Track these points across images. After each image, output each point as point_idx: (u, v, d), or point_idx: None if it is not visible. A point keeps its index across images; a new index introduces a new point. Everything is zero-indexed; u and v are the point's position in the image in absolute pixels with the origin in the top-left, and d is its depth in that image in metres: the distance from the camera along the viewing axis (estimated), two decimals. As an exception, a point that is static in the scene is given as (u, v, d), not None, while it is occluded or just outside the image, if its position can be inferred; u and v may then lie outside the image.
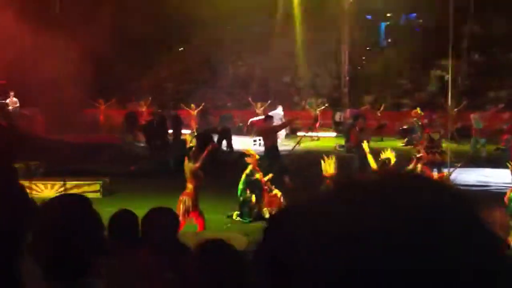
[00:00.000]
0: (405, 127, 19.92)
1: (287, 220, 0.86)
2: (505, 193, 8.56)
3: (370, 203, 0.74)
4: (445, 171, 11.56)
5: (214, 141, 10.56)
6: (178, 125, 18.25)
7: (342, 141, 19.22)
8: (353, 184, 0.80)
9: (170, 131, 17.80)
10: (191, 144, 10.13)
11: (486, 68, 24.11)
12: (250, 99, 22.12)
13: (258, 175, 9.86)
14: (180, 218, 8.30)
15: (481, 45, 24.20)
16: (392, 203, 0.74)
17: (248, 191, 9.88)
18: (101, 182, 11.79)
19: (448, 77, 23.78)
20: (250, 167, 9.84)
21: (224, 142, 17.06)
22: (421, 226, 0.71)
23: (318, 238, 0.75)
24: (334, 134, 21.78)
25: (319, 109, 21.67)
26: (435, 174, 10.91)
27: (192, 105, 21.06)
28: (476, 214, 0.75)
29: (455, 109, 18.76)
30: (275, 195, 10.01)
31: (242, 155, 10.78)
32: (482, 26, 23.71)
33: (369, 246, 0.71)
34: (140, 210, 4.12)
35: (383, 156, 8.57)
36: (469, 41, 23.94)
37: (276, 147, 12.94)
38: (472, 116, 17.51)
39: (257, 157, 10.09)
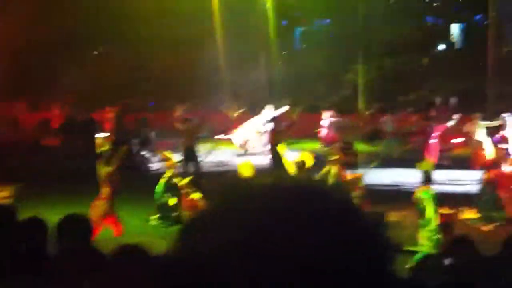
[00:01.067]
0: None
1: (196, 225, 0.87)
2: (414, 193, 9.02)
3: (253, 208, 0.78)
4: (359, 171, 11.95)
5: (129, 144, 10.38)
6: (92, 128, 17.73)
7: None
8: (237, 190, 0.84)
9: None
10: (103, 148, 9.91)
11: (396, 72, 25.20)
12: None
13: (177, 179, 9.80)
14: (96, 223, 8.11)
15: (392, 50, 25.25)
16: (275, 208, 0.77)
17: (166, 195, 9.79)
18: (13, 187, 11.24)
19: (361, 81, 24.79)
20: (168, 171, 9.76)
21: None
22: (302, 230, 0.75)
23: (217, 243, 0.77)
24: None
25: (238, 113, 21.80)
26: (349, 175, 11.24)
27: (108, 108, 20.52)
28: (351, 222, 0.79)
29: (368, 112, 19.45)
30: (195, 198, 9.98)
31: (162, 159, 10.69)
32: (392, 32, 24.77)
33: (255, 252, 0.74)
34: (54, 216, 3.99)
35: (299, 158, 8.75)
36: (380, 46, 24.98)
37: (194, 149, 12.92)
38: (383, 118, 18.26)
39: (175, 161, 10.02)
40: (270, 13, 24.76)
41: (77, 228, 3.77)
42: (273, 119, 17.05)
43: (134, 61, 24.80)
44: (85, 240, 3.80)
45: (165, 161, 9.90)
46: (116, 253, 2.94)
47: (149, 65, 24.75)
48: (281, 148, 8.91)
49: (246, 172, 9.04)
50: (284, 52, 28.77)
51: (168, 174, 9.75)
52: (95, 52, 26.84)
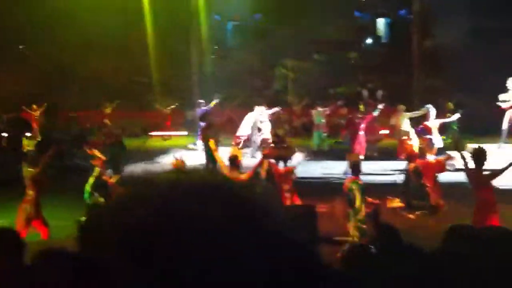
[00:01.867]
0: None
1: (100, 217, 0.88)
2: (343, 184, 9.24)
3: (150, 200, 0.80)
4: (292, 165, 12.07)
5: (56, 145, 10.06)
6: (18, 127, 17.10)
7: (194, 140, 19.42)
8: (145, 183, 0.85)
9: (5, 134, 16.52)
10: (28, 148, 9.59)
11: (326, 67, 25.69)
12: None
13: (105, 177, 9.62)
14: (22, 226, 7.85)
15: (322, 46, 25.72)
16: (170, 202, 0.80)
17: (96, 194, 9.58)
18: None
19: (292, 76, 25.13)
20: (97, 169, 9.55)
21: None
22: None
23: (117, 232, 0.78)
24: (186, 133, 21.82)
25: (170, 108, 21.65)
26: (281, 168, 11.37)
27: (34, 106, 19.87)
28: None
29: (299, 106, 19.70)
30: None
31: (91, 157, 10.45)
32: (323, 29, 25.22)
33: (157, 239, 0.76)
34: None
35: (231, 153, 8.78)
36: (309, 41, 25.33)
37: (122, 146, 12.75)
38: (313, 112, 18.57)
39: (104, 158, 9.82)
40: (202, 8, 24.62)
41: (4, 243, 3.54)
42: (203, 115, 17.03)
43: (62, 60, 24.01)
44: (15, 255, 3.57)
45: (94, 159, 9.67)
46: (37, 257, 2.84)
47: (78, 64, 24.04)
48: (212, 143, 8.88)
49: (178, 168, 9.00)
50: (216, 47, 28.73)
51: (97, 172, 9.55)
52: (20, 49, 25.82)
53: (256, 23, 28.76)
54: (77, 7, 22.53)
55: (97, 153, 9.96)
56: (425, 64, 23.43)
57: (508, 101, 14.96)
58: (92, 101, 22.54)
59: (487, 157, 7.94)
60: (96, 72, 23.55)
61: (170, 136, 21.00)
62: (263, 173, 10.87)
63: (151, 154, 17.37)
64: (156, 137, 20.25)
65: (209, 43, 26.76)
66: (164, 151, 18.11)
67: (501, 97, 15.00)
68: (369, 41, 30.50)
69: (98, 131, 18.59)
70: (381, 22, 30.78)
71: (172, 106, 22.10)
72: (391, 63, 25.37)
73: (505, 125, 15.14)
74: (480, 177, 7.88)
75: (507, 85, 14.95)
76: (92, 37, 23.31)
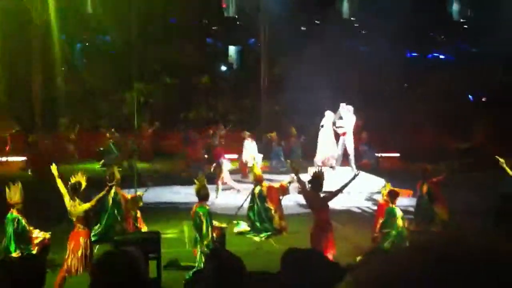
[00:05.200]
0: (101, 148, 19.91)
1: None
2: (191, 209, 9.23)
3: None
4: (140, 191, 11.85)
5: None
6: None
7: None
8: None
9: None
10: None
11: (177, 91, 25.77)
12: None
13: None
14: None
15: (173, 69, 25.76)
16: None
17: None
18: None
19: (143, 99, 24.79)
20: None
21: None
22: None
23: None
24: (25, 158, 20.48)
25: (9, 133, 20.18)
26: (129, 195, 11.14)
27: None
28: None
29: (149, 130, 19.49)
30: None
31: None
32: (173, 51, 25.31)
33: None
34: None
35: (73, 180, 8.39)
36: (161, 65, 25.33)
37: None
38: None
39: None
40: (48, 27, 23.49)
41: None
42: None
43: None
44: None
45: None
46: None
47: None
48: (54, 169, 8.40)
49: (14, 196, 8.42)
50: (63, 68, 27.54)
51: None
52: None
53: (104, 44, 28.10)
54: None
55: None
56: (271, 90, 24.53)
57: (343, 127, 16.07)
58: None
59: (324, 180, 8.43)
60: None
61: (7, 161, 19.52)
62: (110, 199, 10.57)
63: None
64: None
65: (55, 63, 25.57)
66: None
67: (338, 123, 16.07)
68: (223, 68, 31.25)
69: None
70: (232, 50, 31.72)
71: (13, 131, 20.65)
72: (242, 88, 26.19)
73: (339, 151, 16.23)
74: (317, 199, 8.33)
75: (340, 111, 16.02)
76: None
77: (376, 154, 20.61)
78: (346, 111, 15.93)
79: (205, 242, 8.63)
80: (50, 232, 8.66)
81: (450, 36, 28.86)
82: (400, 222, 9.19)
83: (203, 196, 8.86)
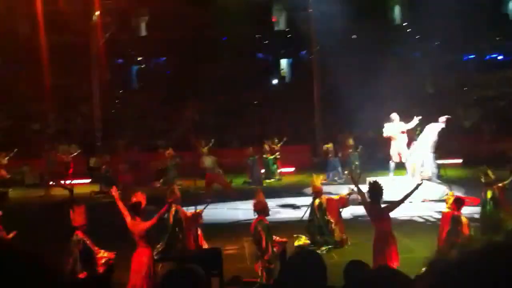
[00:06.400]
0: (160, 167, 20.24)
1: None
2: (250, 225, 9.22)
3: None
4: (199, 207, 11.94)
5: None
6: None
7: (97, 188, 18.85)
8: None
9: None
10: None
11: (230, 106, 25.98)
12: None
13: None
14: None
15: (225, 86, 25.99)
16: None
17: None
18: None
19: (197, 117, 25.18)
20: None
21: None
22: None
23: None
24: (88, 180, 21.07)
25: (72, 155, 20.82)
26: (189, 212, 11.23)
27: None
28: None
29: (205, 147, 19.64)
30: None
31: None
32: (224, 69, 25.59)
33: None
34: None
35: (135, 198, 8.54)
36: (213, 83, 25.64)
37: None
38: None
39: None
40: (104, 51, 24.27)
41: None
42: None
43: None
44: None
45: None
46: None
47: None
48: (115, 191, 8.59)
49: (80, 219, 8.65)
50: (120, 91, 28.38)
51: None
52: None
53: (159, 66, 28.79)
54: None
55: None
56: (324, 101, 24.34)
57: (390, 131, 15.78)
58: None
59: (383, 190, 8.26)
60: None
61: (71, 185, 20.12)
62: (171, 218, 10.68)
63: (53, 205, 16.55)
64: (58, 187, 19.29)
65: (113, 86, 26.37)
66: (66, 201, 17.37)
67: (385, 126, 15.84)
68: (274, 81, 31.39)
69: None
70: (284, 63, 31.83)
71: (75, 153, 21.29)
72: (294, 101, 26.09)
73: (395, 158, 15.93)
74: (377, 210, 8.16)
75: (391, 117, 15.78)
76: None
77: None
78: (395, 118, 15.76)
79: (265, 257, 8.59)
80: (115, 252, 8.78)
81: (508, 37, 27.92)
82: (466, 230, 8.87)
83: (261, 211, 8.84)
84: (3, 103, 23.53)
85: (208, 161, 17.57)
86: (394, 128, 15.59)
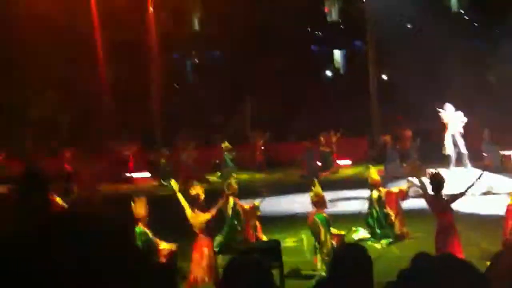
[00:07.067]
0: (217, 161, 20.45)
1: None
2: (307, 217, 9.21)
3: None
4: (256, 200, 12.00)
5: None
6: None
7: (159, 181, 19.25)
8: None
9: None
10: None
11: (288, 100, 25.90)
12: None
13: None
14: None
15: (279, 81, 25.89)
16: None
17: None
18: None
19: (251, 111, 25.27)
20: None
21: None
22: None
23: None
24: (148, 174, 21.52)
25: (132, 151, 21.29)
26: (246, 204, 11.31)
27: None
28: None
29: (262, 141, 19.76)
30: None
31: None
32: (278, 62, 25.49)
33: None
34: None
35: (193, 191, 8.68)
36: (268, 77, 25.61)
37: None
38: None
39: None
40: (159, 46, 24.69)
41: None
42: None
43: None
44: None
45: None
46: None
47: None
48: (174, 184, 8.75)
49: (141, 211, 8.83)
50: (176, 85, 28.77)
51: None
52: None
53: (214, 59, 29.00)
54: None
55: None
56: (381, 92, 23.93)
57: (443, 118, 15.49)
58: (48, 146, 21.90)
59: (445, 182, 8.07)
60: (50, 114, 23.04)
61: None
62: (229, 210, 10.79)
63: (118, 198, 16.96)
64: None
65: (169, 81, 26.77)
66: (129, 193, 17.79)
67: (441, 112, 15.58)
68: (329, 73, 31.08)
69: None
70: (338, 54, 31.46)
71: (134, 148, 21.78)
72: (350, 93, 25.76)
73: (452, 150, 15.60)
74: (439, 202, 7.99)
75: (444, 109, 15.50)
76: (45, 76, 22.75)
77: (500, 152, 19.35)
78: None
79: (324, 250, 8.57)
80: (176, 244, 8.89)
81: None
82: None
83: (319, 203, 8.82)
84: (66, 100, 24.24)
85: None
86: (450, 117, 15.32)
